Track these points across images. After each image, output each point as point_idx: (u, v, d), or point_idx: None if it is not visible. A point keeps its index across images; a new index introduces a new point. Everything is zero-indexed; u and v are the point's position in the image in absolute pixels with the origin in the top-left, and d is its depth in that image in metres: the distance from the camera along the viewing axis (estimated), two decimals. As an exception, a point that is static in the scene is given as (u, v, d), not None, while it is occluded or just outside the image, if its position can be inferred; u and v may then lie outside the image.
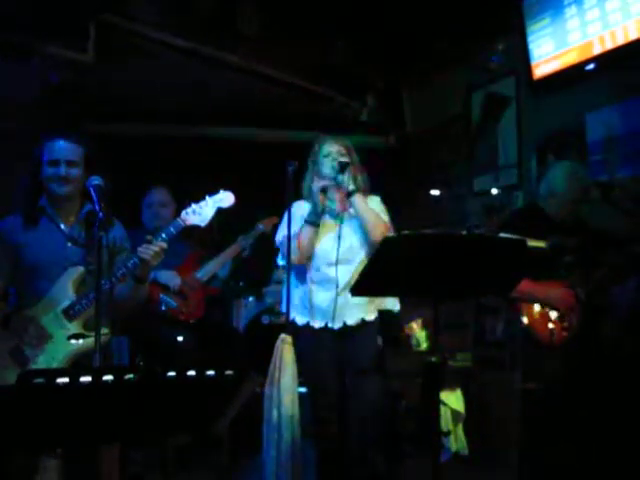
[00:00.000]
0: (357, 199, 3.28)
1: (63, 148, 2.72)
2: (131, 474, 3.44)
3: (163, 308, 3.91)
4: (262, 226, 4.26)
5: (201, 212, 2.70)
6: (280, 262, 3.52)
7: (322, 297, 3.27)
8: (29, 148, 2.81)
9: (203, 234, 4.04)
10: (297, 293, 3.33)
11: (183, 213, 2.69)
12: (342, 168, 3.27)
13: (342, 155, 3.35)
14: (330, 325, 3.27)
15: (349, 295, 2.84)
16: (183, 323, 3.97)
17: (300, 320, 3.31)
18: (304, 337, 3.26)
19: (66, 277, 2.69)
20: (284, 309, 3.27)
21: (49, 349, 2.63)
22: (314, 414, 3.28)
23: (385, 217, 3.38)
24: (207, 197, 2.74)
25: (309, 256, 3.30)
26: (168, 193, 4.13)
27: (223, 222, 2.90)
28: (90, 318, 2.63)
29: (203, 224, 2.71)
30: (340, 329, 3.27)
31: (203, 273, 4.12)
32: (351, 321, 3.29)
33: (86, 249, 2.72)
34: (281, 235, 3.32)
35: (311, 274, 3.34)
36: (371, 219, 3.26)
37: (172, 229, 2.68)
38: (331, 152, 3.35)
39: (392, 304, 3.45)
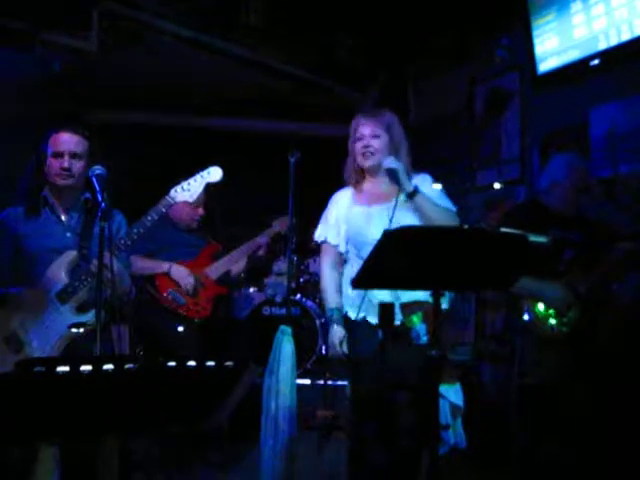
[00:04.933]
0: (419, 200, 2.83)
1: (68, 141, 2.73)
2: (130, 464, 3.45)
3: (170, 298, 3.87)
4: (277, 225, 4.31)
5: (190, 188, 2.69)
6: None
7: (380, 292, 2.87)
8: (31, 136, 2.81)
9: (204, 223, 4.05)
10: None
11: (172, 191, 2.69)
12: (390, 177, 2.84)
13: (374, 137, 2.88)
14: None
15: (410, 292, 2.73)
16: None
17: (353, 314, 2.96)
18: (359, 332, 2.97)
19: (59, 261, 2.71)
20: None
21: (43, 333, 2.65)
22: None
23: (447, 202, 2.93)
24: (196, 174, 2.74)
25: None
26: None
27: (224, 211, 2.91)
28: (84, 301, 2.67)
29: (192, 200, 2.75)
30: (397, 327, 2.93)
31: (214, 270, 4.06)
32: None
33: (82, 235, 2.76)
34: (321, 235, 3.06)
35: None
36: (437, 218, 2.80)
37: (162, 207, 2.68)
38: (364, 135, 2.92)
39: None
